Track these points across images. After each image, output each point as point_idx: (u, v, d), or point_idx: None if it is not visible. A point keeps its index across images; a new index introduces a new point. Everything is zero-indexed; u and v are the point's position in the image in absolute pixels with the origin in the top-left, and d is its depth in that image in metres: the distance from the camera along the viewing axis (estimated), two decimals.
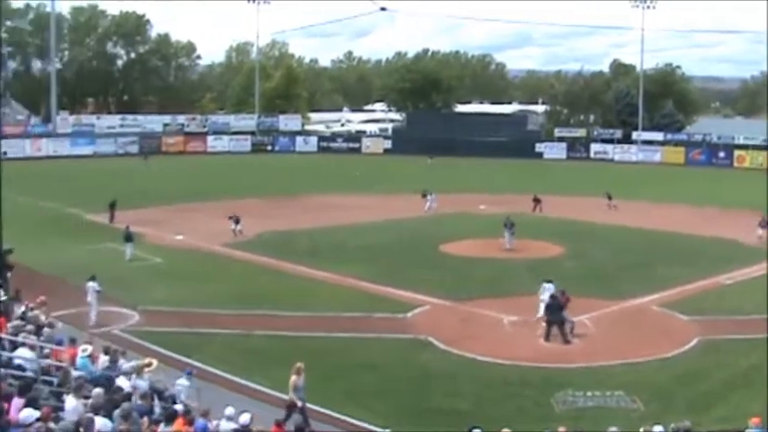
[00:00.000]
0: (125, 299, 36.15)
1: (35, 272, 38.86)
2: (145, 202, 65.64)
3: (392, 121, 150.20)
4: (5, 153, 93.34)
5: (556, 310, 32.44)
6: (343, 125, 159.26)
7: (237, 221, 53.73)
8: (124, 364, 18.73)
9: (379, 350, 30.26)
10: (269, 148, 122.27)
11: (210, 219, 58.89)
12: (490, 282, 41.74)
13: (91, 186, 76.61)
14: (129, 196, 65.17)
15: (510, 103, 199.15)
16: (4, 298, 23.53)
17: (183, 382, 21.26)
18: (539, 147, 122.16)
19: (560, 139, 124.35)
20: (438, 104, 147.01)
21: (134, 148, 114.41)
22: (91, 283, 34.29)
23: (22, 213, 55.89)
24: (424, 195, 65.97)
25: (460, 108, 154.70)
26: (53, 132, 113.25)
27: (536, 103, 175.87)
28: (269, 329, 32.51)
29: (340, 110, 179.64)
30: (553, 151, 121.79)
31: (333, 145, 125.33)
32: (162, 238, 51.86)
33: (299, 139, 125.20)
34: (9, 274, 32.46)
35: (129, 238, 46.99)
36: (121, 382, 17.04)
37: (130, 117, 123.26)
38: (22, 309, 22.37)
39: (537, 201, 66.17)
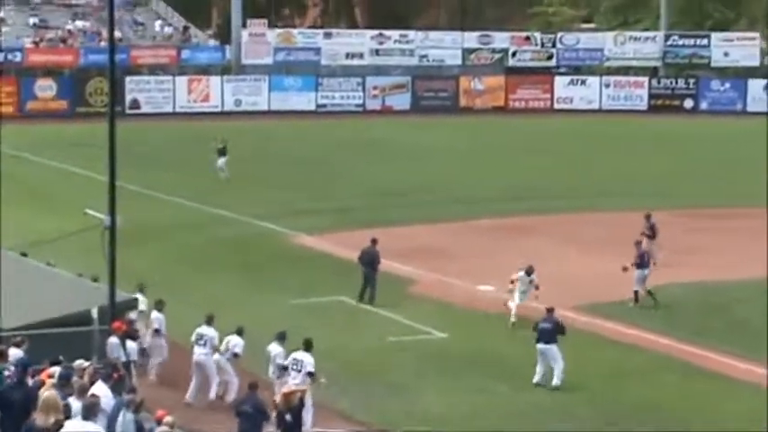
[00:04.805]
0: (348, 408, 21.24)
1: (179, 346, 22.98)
2: (408, 214, 39.29)
3: None
4: (135, 102, 62.92)
5: None
6: None
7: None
8: None
9: None
10: (686, 104, 69.34)
11: (557, 248, 34.14)
12: None
13: (310, 176, 46.99)
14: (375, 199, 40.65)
15: None
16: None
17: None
18: None
19: None
20: None
21: (399, 99, 68.96)
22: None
23: (163, 227, 36.33)
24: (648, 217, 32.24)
25: None
26: (233, 64, 67.86)
27: None
28: None
29: None
30: None
31: None
32: (446, 288, 30.14)
33: (753, 85, 68.26)
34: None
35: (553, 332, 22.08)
36: None
37: (396, 34, 71.23)
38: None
39: None
